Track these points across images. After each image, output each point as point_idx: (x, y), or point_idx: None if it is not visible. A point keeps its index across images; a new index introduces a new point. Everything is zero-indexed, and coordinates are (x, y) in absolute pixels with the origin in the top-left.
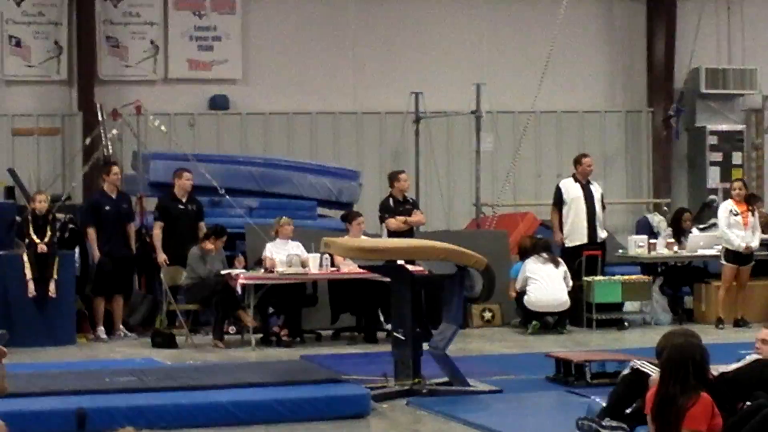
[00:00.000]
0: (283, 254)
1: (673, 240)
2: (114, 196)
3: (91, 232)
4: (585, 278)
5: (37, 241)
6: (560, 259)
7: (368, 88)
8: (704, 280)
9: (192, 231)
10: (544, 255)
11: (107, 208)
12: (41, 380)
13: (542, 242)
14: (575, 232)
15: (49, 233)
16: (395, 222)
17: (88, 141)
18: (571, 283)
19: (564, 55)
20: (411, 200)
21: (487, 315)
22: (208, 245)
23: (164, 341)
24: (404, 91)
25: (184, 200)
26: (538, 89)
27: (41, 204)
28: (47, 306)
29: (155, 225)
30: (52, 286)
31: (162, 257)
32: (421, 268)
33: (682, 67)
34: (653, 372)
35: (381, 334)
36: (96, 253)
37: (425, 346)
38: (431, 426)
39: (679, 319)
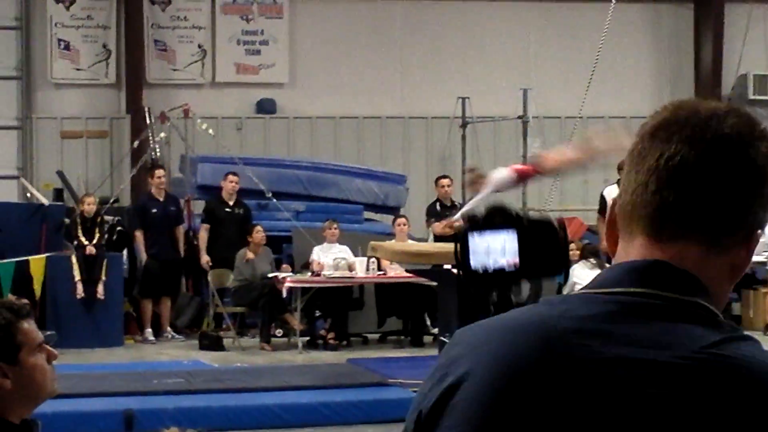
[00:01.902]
0: (330, 258)
1: None
2: (161, 198)
3: (139, 235)
4: None
5: (86, 243)
6: (608, 265)
7: (415, 93)
8: (752, 287)
9: (239, 234)
10: (592, 260)
11: (154, 210)
12: (89, 381)
13: (590, 248)
14: None
15: (97, 235)
16: (439, 226)
17: (136, 144)
18: None
19: (611, 60)
20: (458, 205)
21: None
22: (250, 254)
23: (211, 343)
24: (451, 95)
25: (231, 203)
26: (585, 94)
27: (90, 206)
28: (95, 307)
29: (201, 227)
30: (100, 288)
31: (205, 259)
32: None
33: (730, 72)
34: None
35: (427, 338)
36: (143, 256)
37: None
38: None
39: None
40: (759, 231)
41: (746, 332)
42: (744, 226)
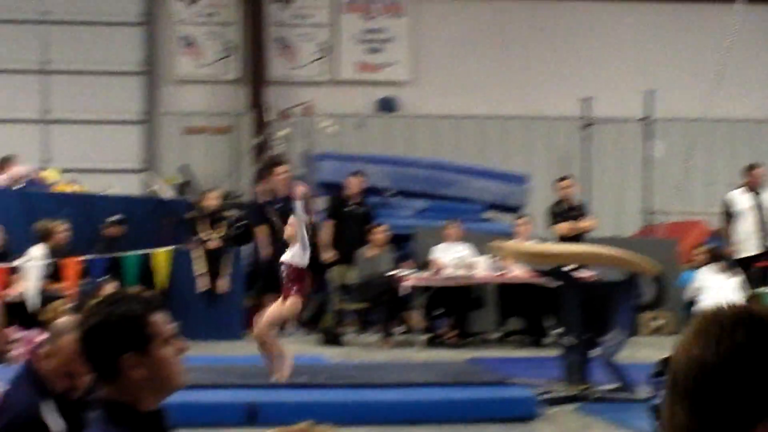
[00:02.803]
0: (452, 256)
1: None
2: (282, 195)
3: (260, 231)
4: (755, 290)
5: (208, 237)
6: (735, 269)
7: (537, 93)
8: None
9: (360, 232)
10: (718, 264)
11: (275, 207)
12: (213, 374)
13: (716, 251)
14: (745, 243)
15: (219, 230)
16: (564, 227)
17: (257, 140)
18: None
19: (737, 62)
20: (580, 205)
21: (657, 323)
22: (372, 251)
23: (332, 339)
24: (574, 96)
25: (354, 202)
26: (710, 96)
27: (212, 201)
28: (217, 301)
29: (324, 224)
30: (222, 282)
31: (328, 255)
32: (590, 274)
33: None
34: None
35: (549, 339)
36: (265, 251)
37: (594, 352)
38: None
39: None
40: None
41: None
42: None
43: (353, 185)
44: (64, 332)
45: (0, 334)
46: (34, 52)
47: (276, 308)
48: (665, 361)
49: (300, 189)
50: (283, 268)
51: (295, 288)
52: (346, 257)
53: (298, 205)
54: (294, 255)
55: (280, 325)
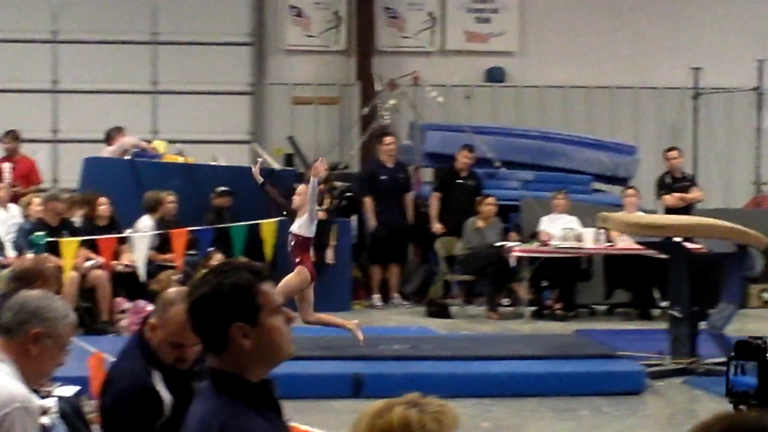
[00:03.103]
0: (558, 228)
1: None
2: (390, 165)
3: (368, 201)
4: None
5: (316, 208)
6: None
7: (647, 63)
8: None
9: (469, 204)
10: None
11: (383, 177)
12: (320, 345)
13: None
14: None
15: (327, 201)
16: (671, 198)
17: (365, 111)
18: None
19: None
20: (689, 177)
21: (767, 295)
22: (480, 222)
23: (438, 311)
24: (684, 66)
25: (463, 174)
26: None
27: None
28: (324, 272)
29: (432, 195)
30: (329, 253)
31: (438, 226)
32: (699, 246)
33: None
34: None
35: (656, 312)
36: (372, 222)
37: (702, 325)
38: (708, 406)
39: None
40: None
41: None
42: None
43: (463, 158)
44: (173, 303)
45: (109, 304)
46: (144, 24)
47: (285, 281)
48: (744, 343)
49: (319, 166)
50: (290, 238)
51: (299, 259)
52: (453, 229)
53: (314, 180)
54: (301, 225)
55: (304, 298)
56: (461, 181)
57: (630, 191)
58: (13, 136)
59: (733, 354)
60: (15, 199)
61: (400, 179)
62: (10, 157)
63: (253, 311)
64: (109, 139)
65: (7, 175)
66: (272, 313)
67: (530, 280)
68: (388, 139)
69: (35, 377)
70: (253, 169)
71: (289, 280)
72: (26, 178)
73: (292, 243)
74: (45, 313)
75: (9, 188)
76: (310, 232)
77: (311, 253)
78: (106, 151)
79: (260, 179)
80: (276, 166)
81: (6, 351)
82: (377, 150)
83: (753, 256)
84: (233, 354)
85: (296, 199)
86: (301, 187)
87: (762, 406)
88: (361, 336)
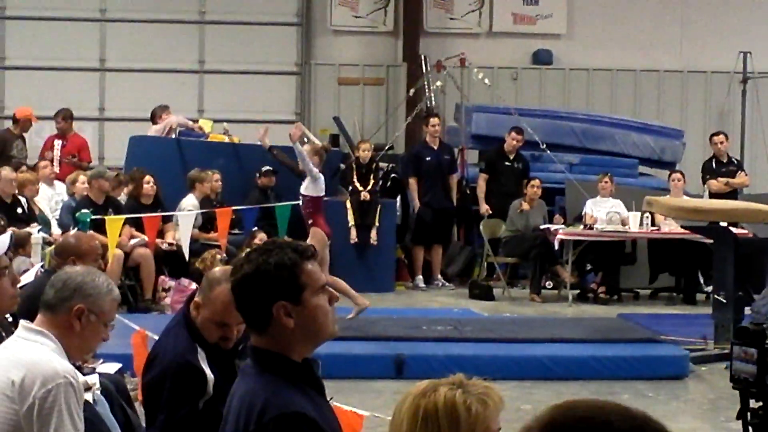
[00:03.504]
0: (603, 211)
1: None
2: (435, 147)
3: (413, 182)
4: None
5: (361, 188)
6: None
7: (695, 46)
8: None
9: (516, 186)
10: None
11: (428, 158)
12: (362, 325)
13: None
14: None
15: (372, 181)
16: (716, 183)
17: (411, 92)
18: None
19: None
20: (735, 161)
21: None
22: (525, 205)
23: (481, 293)
24: (732, 50)
25: (511, 157)
26: None
27: (365, 152)
28: (368, 253)
29: (480, 177)
30: (373, 234)
31: (484, 208)
32: (744, 231)
33: None
34: None
35: (700, 296)
36: (416, 203)
37: (747, 310)
38: None
39: None
40: None
41: None
42: None
43: (512, 140)
44: (219, 282)
45: (153, 282)
46: (192, 3)
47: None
48: (743, 330)
49: (293, 131)
50: (300, 199)
51: (311, 220)
52: (498, 211)
53: (295, 146)
54: (307, 186)
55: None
56: (509, 163)
57: (676, 175)
58: (65, 114)
59: (735, 340)
60: (63, 175)
61: (445, 161)
62: (62, 135)
63: (296, 290)
64: (154, 117)
65: (58, 151)
66: (316, 293)
67: (574, 263)
68: (433, 121)
69: (79, 353)
70: (258, 135)
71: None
72: (77, 155)
73: (302, 204)
74: (88, 290)
75: (62, 162)
76: (316, 191)
77: (323, 213)
78: (152, 130)
79: (267, 144)
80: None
81: (50, 327)
82: (422, 131)
83: None
84: (276, 333)
85: (297, 166)
86: (305, 147)
87: (761, 395)
88: (352, 316)
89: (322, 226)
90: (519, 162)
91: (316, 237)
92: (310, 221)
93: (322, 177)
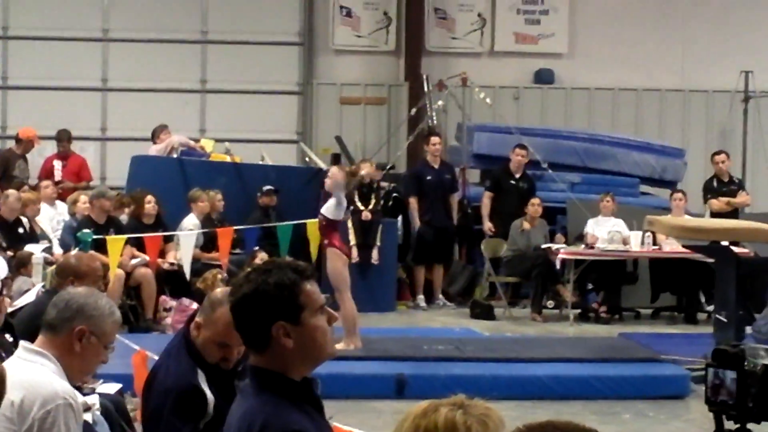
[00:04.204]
0: (605, 231)
1: None
2: (436, 166)
3: (413, 202)
4: None
5: (362, 208)
6: None
7: (696, 65)
8: None
9: (520, 206)
10: None
11: (429, 178)
12: (364, 345)
13: None
14: None
15: (373, 201)
16: (717, 202)
17: (413, 111)
18: None
19: None
20: (737, 180)
21: None
22: (526, 224)
23: (483, 312)
24: (733, 69)
25: (517, 176)
26: None
27: (366, 172)
28: (369, 272)
29: (485, 195)
30: (374, 253)
31: (487, 225)
32: (746, 250)
33: None
34: None
35: (702, 316)
36: (417, 222)
37: (748, 329)
38: None
39: None
40: None
41: None
42: None
43: (518, 156)
44: (221, 303)
45: (154, 302)
46: (194, 23)
47: (332, 270)
48: (720, 352)
49: (336, 176)
50: (319, 218)
51: (327, 240)
52: (501, 231)
53: (339, 194)
54: (328, 207)
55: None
56: (514, 182)
57: (678, 195)
58: (68, 136)
59: (710, 361)
60: (65, 196)
61: (446, 180)
62: (61, 155)
63: (295, 310)
64: (154, 137)
65: (59, 172)
66: (315, 313)
67: (575, 283)
68: (434, 140)
69: (79, 374)
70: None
71: (334, 268)
72: (77, 175)
73: (319, 223)
74: (89, 311)
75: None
76: (336, 215)
77: (338, 233)
78: (153, 149)
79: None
80: (323, 165)
81: (50, 348)
82: (423, 150)
83: None
84: (276, 352)
85: (327, 182)
86: (333, 170)
87: (741, 418)
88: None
89: (340, 246)
90: (525, 182)
91: (336, 256)
92: (326, 241)
93: (345, 204)
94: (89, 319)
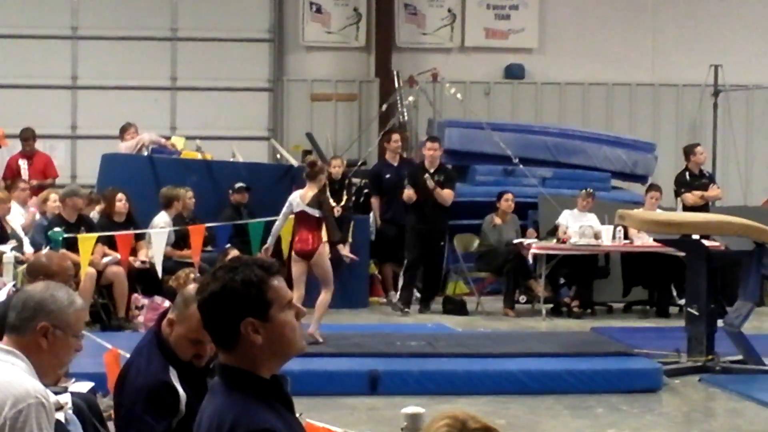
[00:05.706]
0: (577, 225)
1: None
2: (395, 164)
3: (374, 201)
4: None
5: (333, 204)
6: None
7: (666, 60)
8: None
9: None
10: None
11: (388, 176)
12: (336, 341)
13: None
14: None
15: (344, 198)
16: (691, 196)
17: (384, 107)
18: None
19: None
20: (707, 174)
21: None
22: (497, 219)
23: (455, 308)
24: (703, 63)
25: (431, 170)
26: None
27: (337, 169)
28: (341, 269)
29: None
30: (346, 249)
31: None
32: (717, 244)
33: None
34: None
35: (673, 309)
36: (378, 221)
37: (719, 322)
38: (724, 404)
39: None
40: None
41: None
42: None
43: (429, 153)
44: (193, 300)
45: (126, 300)
46: (163, 20)
47: (322, 271)
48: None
49: None
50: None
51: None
52: (425, 228)
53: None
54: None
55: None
56: (429, 176)
57: (655, 194)
58: (32, 134)
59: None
60: (34, 194)
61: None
62: (27, 153)
63: (263, 307)
64: (122, 134)
65: (25, 172)
66: (283, 309)
67: (547, 278)
68: (395, 137)
69: (52, 369)
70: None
71: (328, 263)
72: (43, 173)
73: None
74: (48, 306)
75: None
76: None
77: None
78: (122, 147)
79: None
80: (294, 162)
81: (18, 349)
82: (386, 147)
83: None
84: (245, 350)
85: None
86: None
87: None
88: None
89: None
90: (440, 174)
91: (326, 254)
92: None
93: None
94: (50, 314)
